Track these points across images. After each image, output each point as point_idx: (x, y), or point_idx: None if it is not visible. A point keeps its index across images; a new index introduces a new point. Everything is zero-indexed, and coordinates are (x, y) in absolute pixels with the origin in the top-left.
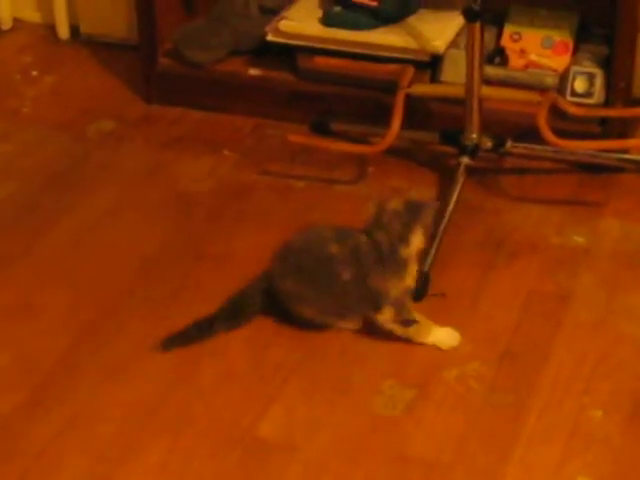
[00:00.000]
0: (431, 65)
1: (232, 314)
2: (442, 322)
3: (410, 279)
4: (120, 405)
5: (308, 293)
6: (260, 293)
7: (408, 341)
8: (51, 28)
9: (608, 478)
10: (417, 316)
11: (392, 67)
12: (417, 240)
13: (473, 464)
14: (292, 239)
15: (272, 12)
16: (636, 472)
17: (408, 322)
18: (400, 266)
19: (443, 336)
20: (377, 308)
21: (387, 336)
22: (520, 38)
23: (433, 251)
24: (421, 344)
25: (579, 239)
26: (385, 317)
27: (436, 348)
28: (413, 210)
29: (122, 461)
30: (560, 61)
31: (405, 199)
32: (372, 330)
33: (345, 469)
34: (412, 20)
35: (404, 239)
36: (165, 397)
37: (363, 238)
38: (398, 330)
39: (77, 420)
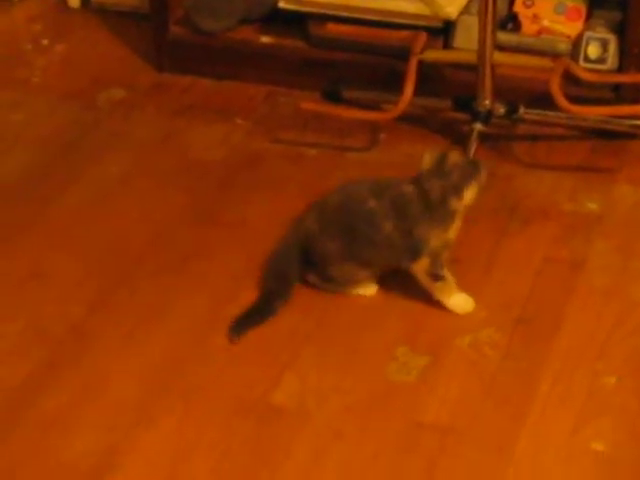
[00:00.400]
0: (444, 31)
1: (281, 286)
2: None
3: (453, 232)
4: (132, 373)
5: (347, 251)
6: (297, 255)
7: (427, 302)
8: None
9: (622, 444)
10: (446, 274)
11: (404, 33)
12: (470, 195)
13: (487, 430)
14: (328, 198)
15: None
16: None
17: (437, 277)
18: (447, 217)
19: (460, 301)
20: (415, 257)
21: (401, 302)
22: (533, 4)
23: None
24: (440, 303)
25: (592, 205)
26: (420, 267)
27: (450, 312)
28: (473, 166)
29: (134, 429)
30: (573, 27)
31: (464, 155)
32: (385, 297)
33: (358, 436)
34: None
35: (459, 191)
36: (178, 365)
37: (408, 188)
38: (426, 282)
39: (89, 388)
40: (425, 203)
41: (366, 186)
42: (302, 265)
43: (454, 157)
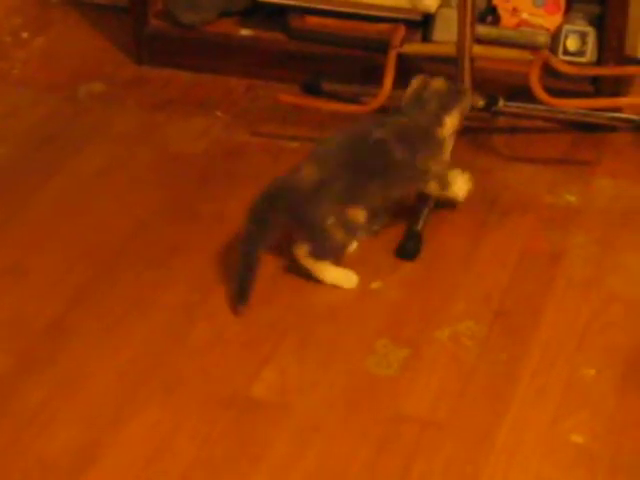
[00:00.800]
0: (423, 24)
1: (261, 231)
2: (435, 281)
3: (447, 154)
4: (112, 368)
5: (353, 191)
6: (282, 205)
7: (407, 294)
8: None
9: (601, 436)
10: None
11: (384, 26)
12: (452, 122)
13: (467, 422)
14: (327, 143)
15: None
16: (628, 430)
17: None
18: (437, 146)
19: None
20: (424, 184)
21: (380, 294)
22: None
23: (425, 210)
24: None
25: (571, 198)
26: (432, 189)
27: (430, 304)
28: (454, 93)
29: (115, 423)
30: (552, 20)
31: (448, 81)
32: (364, 291)
33: (339, 428)
34: None
35: (439, 119)
36: (157, 359)
37: (404, 119)
38: (443, 194)
39: (68, 382)
40: (418, 132)
41: (367, 122)
42: (286, 227)
43: (436, 84)
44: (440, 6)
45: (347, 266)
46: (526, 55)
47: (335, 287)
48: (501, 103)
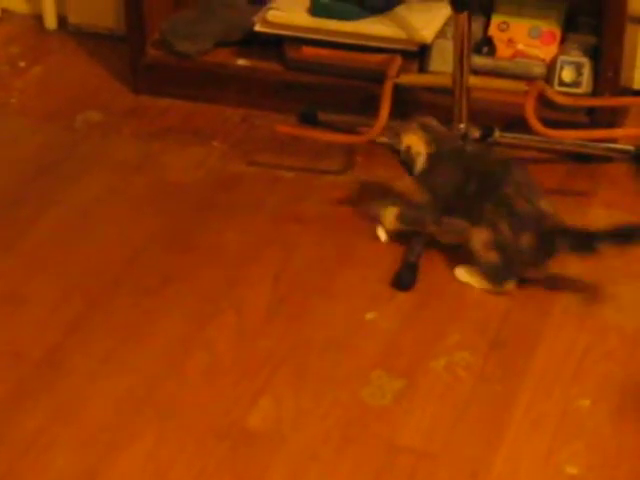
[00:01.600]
0: (419, 55)
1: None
2: (431, 312)
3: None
4: (108, 396)
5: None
6: None
7: (401, 324)
8: (39, 18)
9: (596, 468)
10: None
11: (380, 57)
12: (407, 139)
13: (461, 453)
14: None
15: (260, 2)
16: (624, 461)
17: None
18: None
19: None
20: None
21: (376, 325)
22: (508, 28)
23: (421, 241)
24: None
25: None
26: None
27: (424, 335)
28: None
29: (110, 453)
30: (548, 51)
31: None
32: (360, 321)
33: (334, 459)
34: (400, 10)
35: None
36: (153, 389)
37: None
38: None
39: (65, 411)
40: None
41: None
42: None
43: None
44: (436, 37)
45: (341, 296)
46: (521, 86)
47: (330, 318)
48: (497, 134)
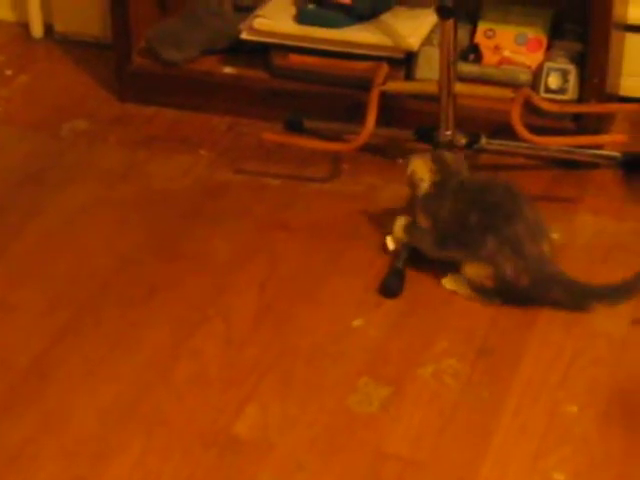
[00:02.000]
0: (405, 62)
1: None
2: (418, 319)
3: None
4: (95, 405)
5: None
6: None
7: (388, 332)
8: (25, 27)
9: (583, 474)
10: None
11: (366, 64)
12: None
13: (449, 460)
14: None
15: (246, 10)
16: (611, 467)
17: None
18: None
19: None
20: None
21: (362, 332)
22: (494, 35)
23: (408, 248)
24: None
25: (554, 235)
26: None
27: (412, 342)
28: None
29: (97, 462)
30: (534, 58)
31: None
32: (346, 328)
33: (321, 467)
34: (386, 17)
35: None
36: (140, 397)
37: None
38: None
39: (52, 420)
40: None
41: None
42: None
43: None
44: (422, 44)
45: (328, 303)
46: (508, 93)
47: (317, 325)
48: (483, 141)
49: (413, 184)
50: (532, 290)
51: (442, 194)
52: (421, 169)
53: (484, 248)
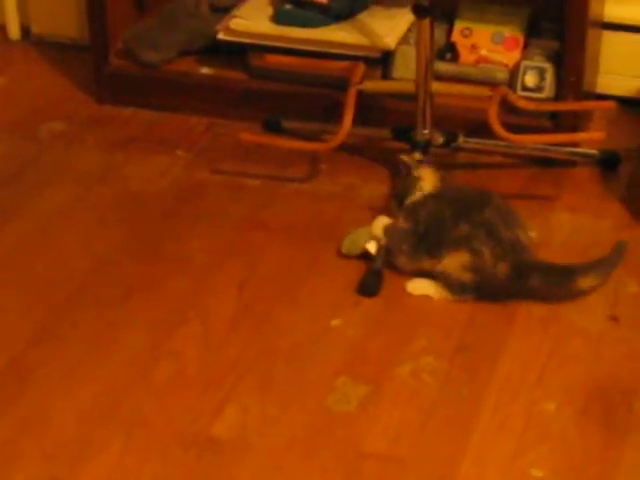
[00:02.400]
0: (382, 62)
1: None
2: (396, 318)
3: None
4: (73, 407)
5: None
6: None
7: (367, 331)
8: (2, 29)
9: (561, 471)
10: None
11: (343, 64)
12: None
13: (428, 458)
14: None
15: (223, 11)
16: (589, 464)
17: None
18: None
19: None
20: None
21: (340, 332)
22: (471, 34)
23: (386, 247)
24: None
25: (531, 233)
26: None
27: (390, 341)
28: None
29: (76, 464)
30: (511, 56)
31: None
32: (325, 328)
33: (300, 466)
34: (363, 17)
35: None
36: (118, 399)
37: None
38: None
39: (29, 422)
40: None
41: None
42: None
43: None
44: (399, 44)
45: (306, 303)
46: (485, 91)
47: (295, 325)
48: (461, 139)
49: (409, 187)
50: (511, 280)
51: (427, 202)
52: (428, 180)
53: (459, 233)
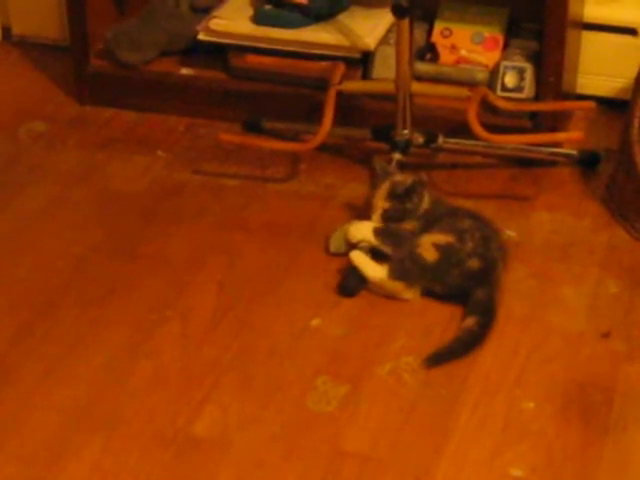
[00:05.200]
0: (362, 62)
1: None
2: (376, 317)
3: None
4: (53, 406)
5: None
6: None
7: (347, 331)
8: None
9: (540, 469)
10: None
11: (323, 64)
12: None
13: (407, 458)
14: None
15: (203, 11)
16: (568, 463)
17: None
18: None
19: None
20: None
21: (320, 331)
22: (450, 34)
23: (365, 248)
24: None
25: (511, 233)
26: None
27: (370, 341)
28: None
29: (55, 463)
30: (490, 56)
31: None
32: (304, 328)
33: (280, 465)
34: (343, 17)
35: None
36: (97, 398)
37: None
38: None
39: (9, 421)
40: None
41: None
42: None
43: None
44: (379, 44)
45: (286, 303)
46: (464, 92)
47: (275, 325)
48: (440, 140)
49: (404, 199)
50: (468, 279)
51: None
52: (428, 198)
53: (461, 224)
